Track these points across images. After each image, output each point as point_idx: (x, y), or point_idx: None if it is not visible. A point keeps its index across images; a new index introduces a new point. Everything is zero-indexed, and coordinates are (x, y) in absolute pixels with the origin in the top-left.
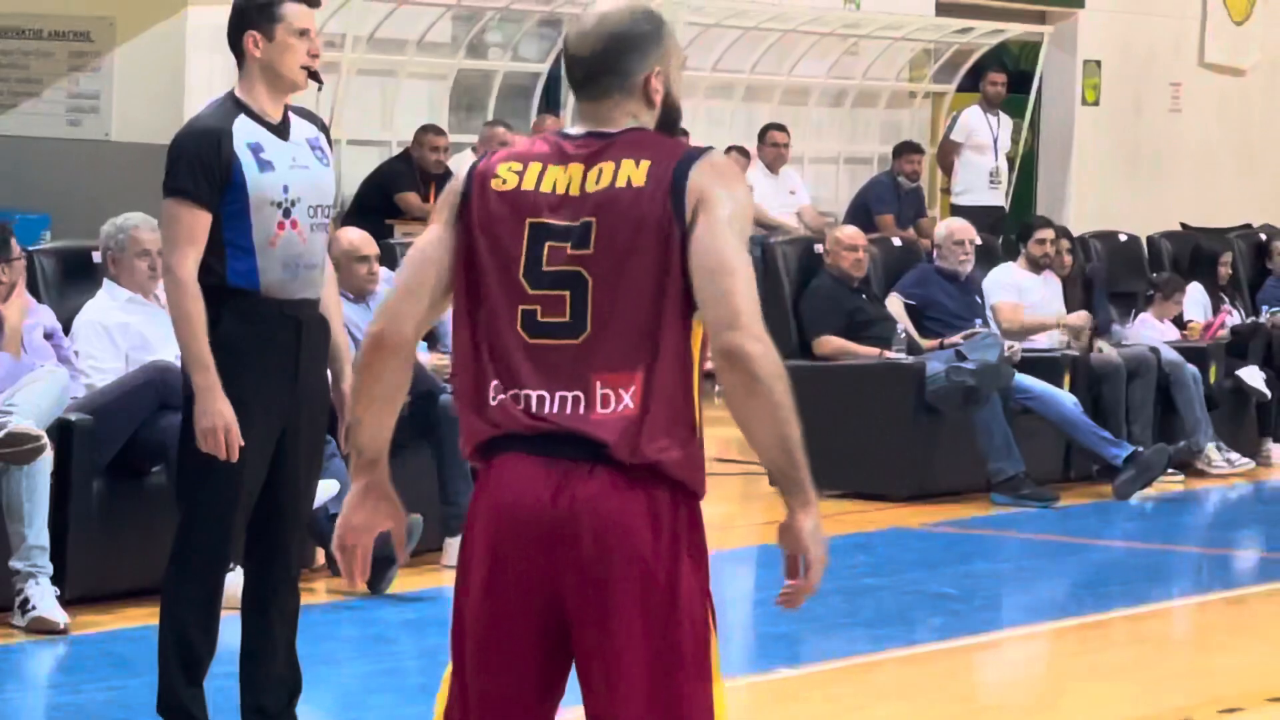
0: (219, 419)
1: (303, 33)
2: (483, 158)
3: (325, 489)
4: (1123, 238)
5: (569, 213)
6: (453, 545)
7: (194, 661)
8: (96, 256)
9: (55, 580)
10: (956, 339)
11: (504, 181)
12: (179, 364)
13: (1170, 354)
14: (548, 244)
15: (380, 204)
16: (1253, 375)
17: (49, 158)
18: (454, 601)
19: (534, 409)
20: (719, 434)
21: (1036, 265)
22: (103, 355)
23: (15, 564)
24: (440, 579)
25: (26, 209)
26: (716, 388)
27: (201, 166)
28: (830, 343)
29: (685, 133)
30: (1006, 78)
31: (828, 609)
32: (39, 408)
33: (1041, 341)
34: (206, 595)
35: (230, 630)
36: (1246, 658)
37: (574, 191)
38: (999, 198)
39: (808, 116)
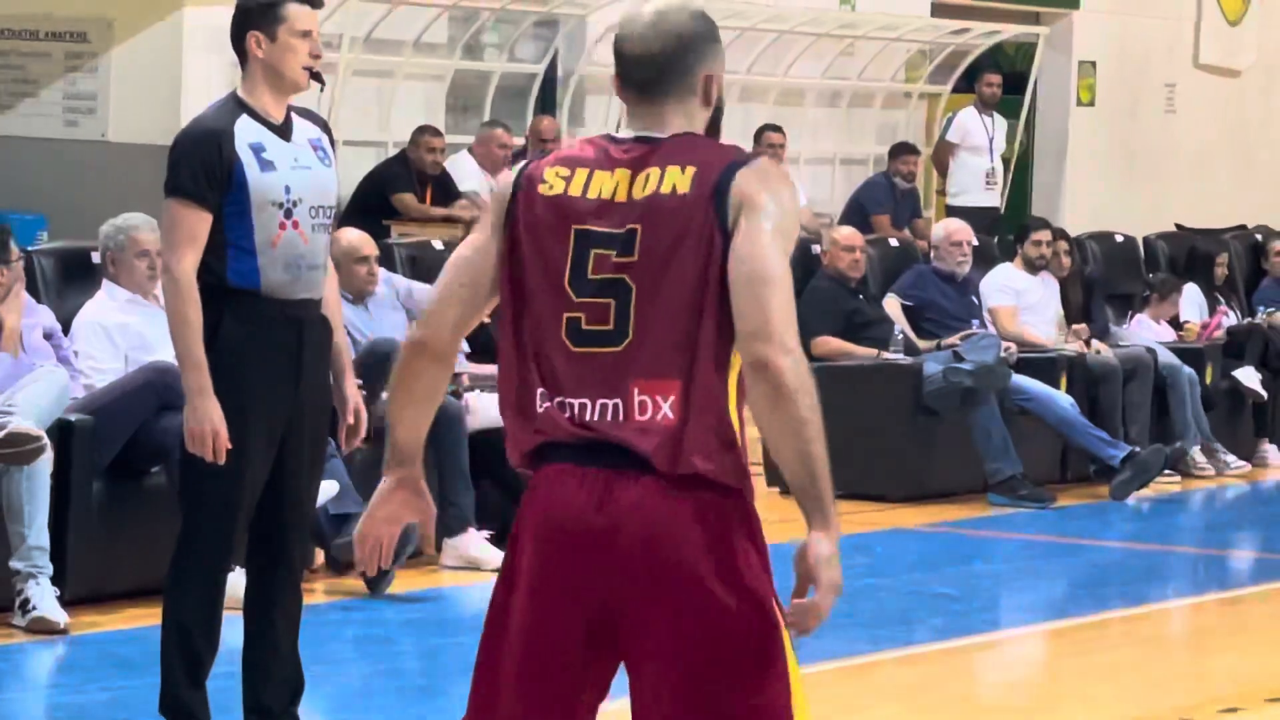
0: (207, 422)
1: (305, 34)
2: (531, 160)
3: (324, 489)
4: (1119, 239)
5: (614, 220)
6: (452, 546)
7: (196, 662)
8: (95, 257)
9: (55, 580)
10: (954, 340)
11: (550, 187)
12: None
13: (1167, 356)
14: (593, 251)
15: (377, 205)
16: (1249, 376)
17: (46, 158)
18: (492, 608)
19: (577, 417)
20: None
21: (1033, 266)
22: (102, 356)
23: (15, 564)
24: (439, 579)
25: (23, 209)
26: None
27: (203, 167)
28: (828, 343)
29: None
30: (1002, 79)
31: None
32: (39, 408)
33: (1040, 337)
34: (209, 595)
35: (232, 630)
36: (1244, 658)
37: (620, 198)
38: (994, 199)
39: (803, 117)
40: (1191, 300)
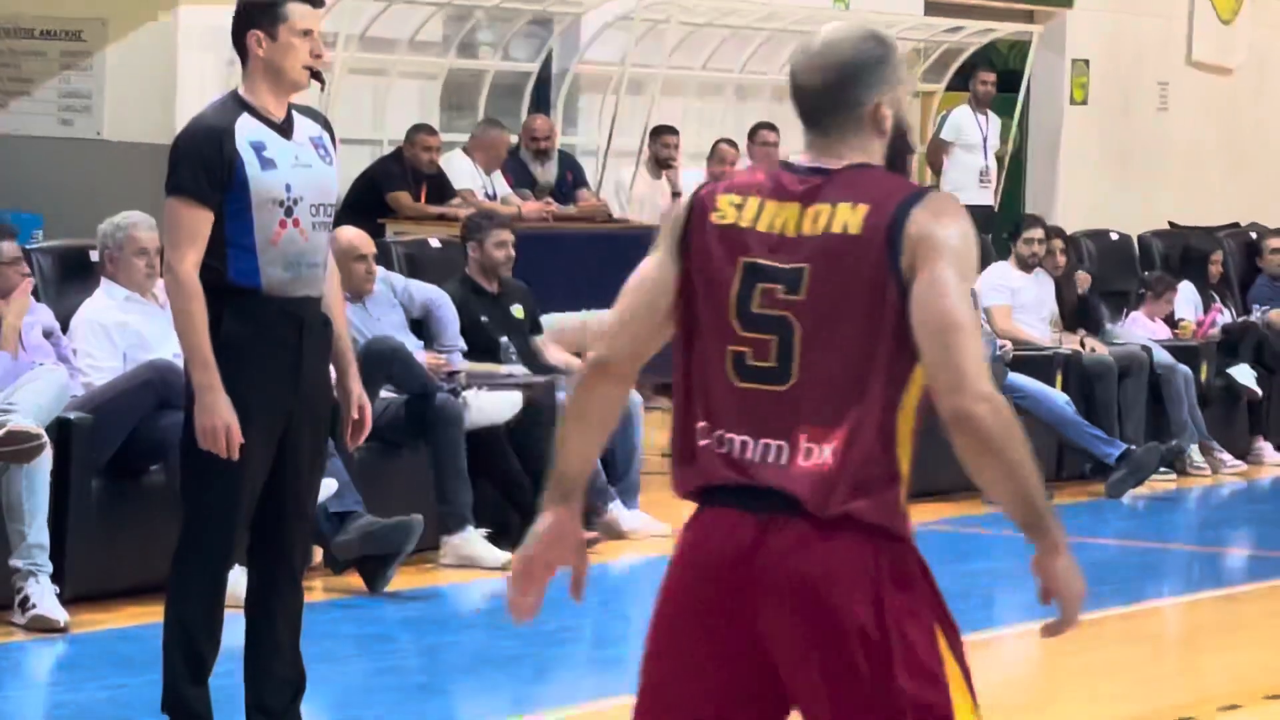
0: (219, 418)
1: (306, 33)
2: (705, 185)
3: (324, 487)
4: (1114, 236)
5: (783, 255)
6: (450, 544)
7: (198, 660)
8: (94, 255)
9: (55, 578)
10: None
11: (723, 215)
12: (178, 363)
13: (1163, 354)
14: (759, 285)
15: (372, 203)
16: (1244, 374)
17: (41, 157)
18: (646, 648)
19: (736, 454)
20: None
21: (1026, 265)
22: (101, 354)
23: (15, 562)
24: (438, 578)
25: (18, 208)
26: None
27: (204, 165)
28: None
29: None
30: (996, 77)
31: None
32: (39, 406)
33: (1035, 336)
34: (210, 594)
35: (234, 629)
36: (1241, 655)
37: (789, 232)
38: (988, 197)
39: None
40: (1186, 298)
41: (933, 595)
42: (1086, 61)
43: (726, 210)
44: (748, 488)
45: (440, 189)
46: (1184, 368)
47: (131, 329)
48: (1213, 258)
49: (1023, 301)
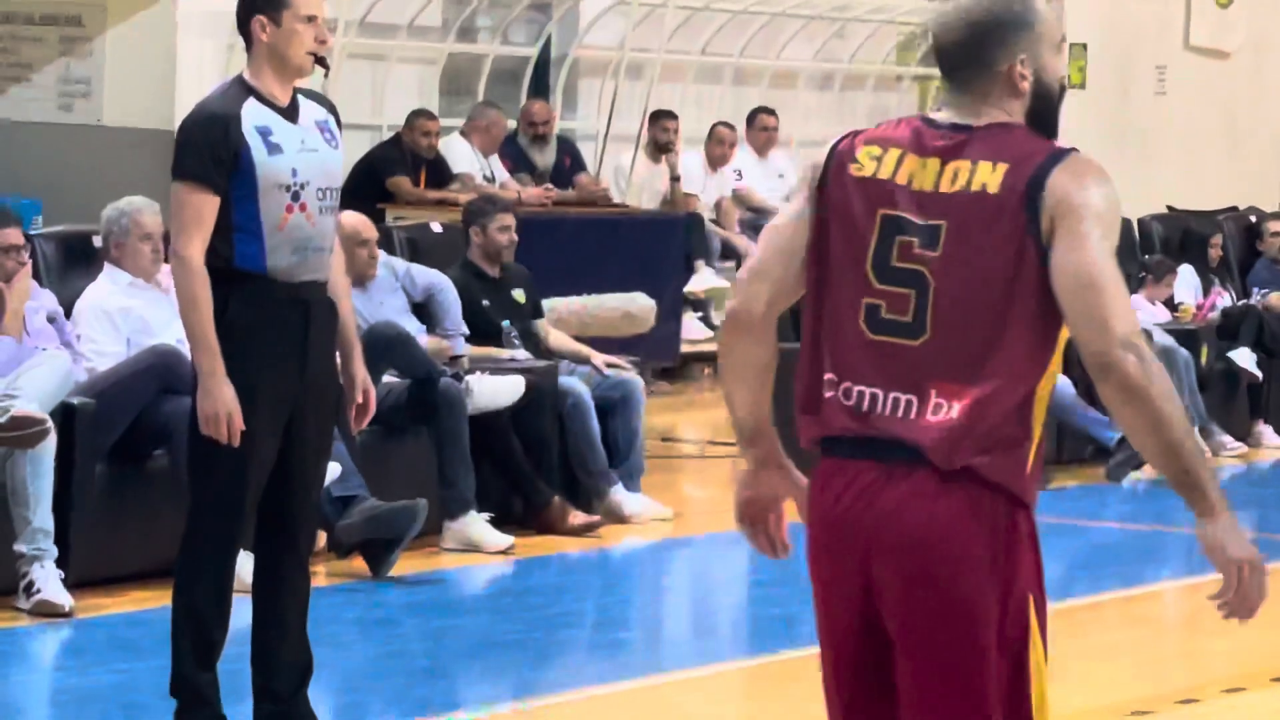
0: (221, 404)
1: (310, 19)
2: (845, 137)
3: (328, 471)
4: None
5: (921, 210)
6: (452, 528)
7: (206, 645)
8: (97, 241)
9: (59, 563)
10: None
11: (861, 167)
12: (181, 348)
13: (1164, 338)
14: (898, 239)
15: (371, 188)
16: (1244, 357)
17: (40, 143)
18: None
19: (864, 407)
20: (708, 417)
21: None
22: (104, 340)
23: (20, 547)
24: (441, 562)
25: (18, 194)
26: (706, 370)
27: (210, 150)
28: None
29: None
30: None
31: None
32: (43, 392)
33: None
34: (218, 578)
35: (241, 613)
36: (1244, 638)
37: (929, 188)
38: None
39: (796, 100)
40: (1186, 281)
41: (1035, 565)
42: (1084, 45)
43: (866, 162)
44: (871, 439)
45: (439, 174)
46: (1184, 351)
47: (135, 314)
48: (1212, 241)
49: None
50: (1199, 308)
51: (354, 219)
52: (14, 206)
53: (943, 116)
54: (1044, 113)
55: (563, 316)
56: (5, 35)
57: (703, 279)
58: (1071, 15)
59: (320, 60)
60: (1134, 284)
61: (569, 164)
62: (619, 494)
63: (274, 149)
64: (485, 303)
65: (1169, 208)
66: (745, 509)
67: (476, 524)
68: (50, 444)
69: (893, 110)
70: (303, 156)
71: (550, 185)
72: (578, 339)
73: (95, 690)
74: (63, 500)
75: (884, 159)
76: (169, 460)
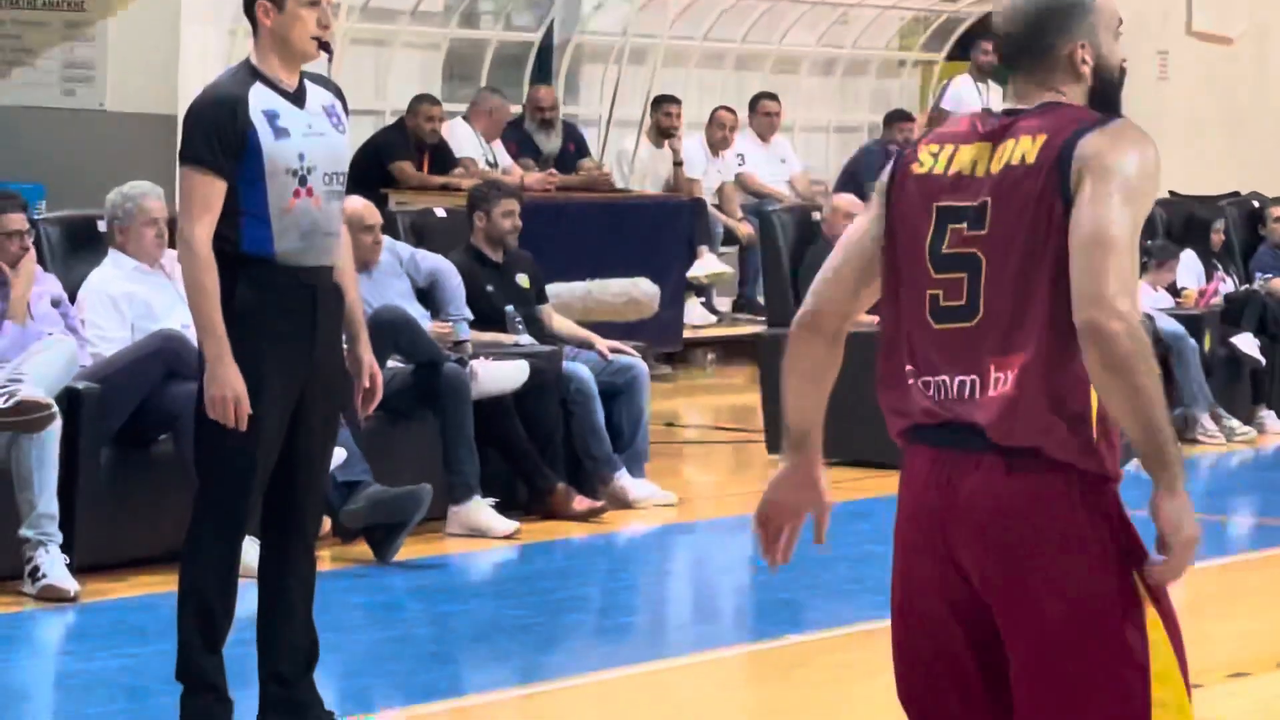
0: (228, 388)
1: (313, 3)
2: (917, 140)
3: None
4: None
5: (969, 193)
6: (457, 513)
7: (213, 629)
8: (102, 225)
9: (64, 548)
10: None
11: (921, 165)
12: (186, 333)
13: (1170, 324)
14: (950, 226)
15: (374, 173)
16: (1247, 342)
17: (44, 128)
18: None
19: (937, 395)
20: (710, 402)
21: None
22: (109, 325)
23: (25, 532)
24: (445, 547)
25: (21, 179)
26: (709, 355)
27: (217, 134)
28: None
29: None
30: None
31: (833, 576)
32: (48, 377)
33: None
34: (225, 563)
35: (247, 598)
36: (1248, 624)
37: (978, 172)
38: None
39: (798, 85)
40: (1189, 267)
41: (1129, 540)
42: None
43: (925, 160)
44: (945, 425)
45: (442, 158)
46: (1191, 340)
47: (139, 299)
48: (1215, 226)
49: None
50: (1201, 293)
51: (358, 204)
52: (18, 191)
53: (1002, 106)
54: (1107, 95)
55: (566, 302)
56: (9, 20)
57: (705, 264)
58: None
59: (324, 45)
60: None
61: (573, 150)
62: (623, 479)
63: (281, 133)
64: (489, 288)
65: (1171, 193)
66: (767, 509)
67: (481, 509)
68: (55, 429)
69: (895, 96)
70: (309, 141)
71: (554, 170)
72: (581, 324)
73: (101, 675)
74: (68, 485)
75: (940, 154)
76: (174, 445)
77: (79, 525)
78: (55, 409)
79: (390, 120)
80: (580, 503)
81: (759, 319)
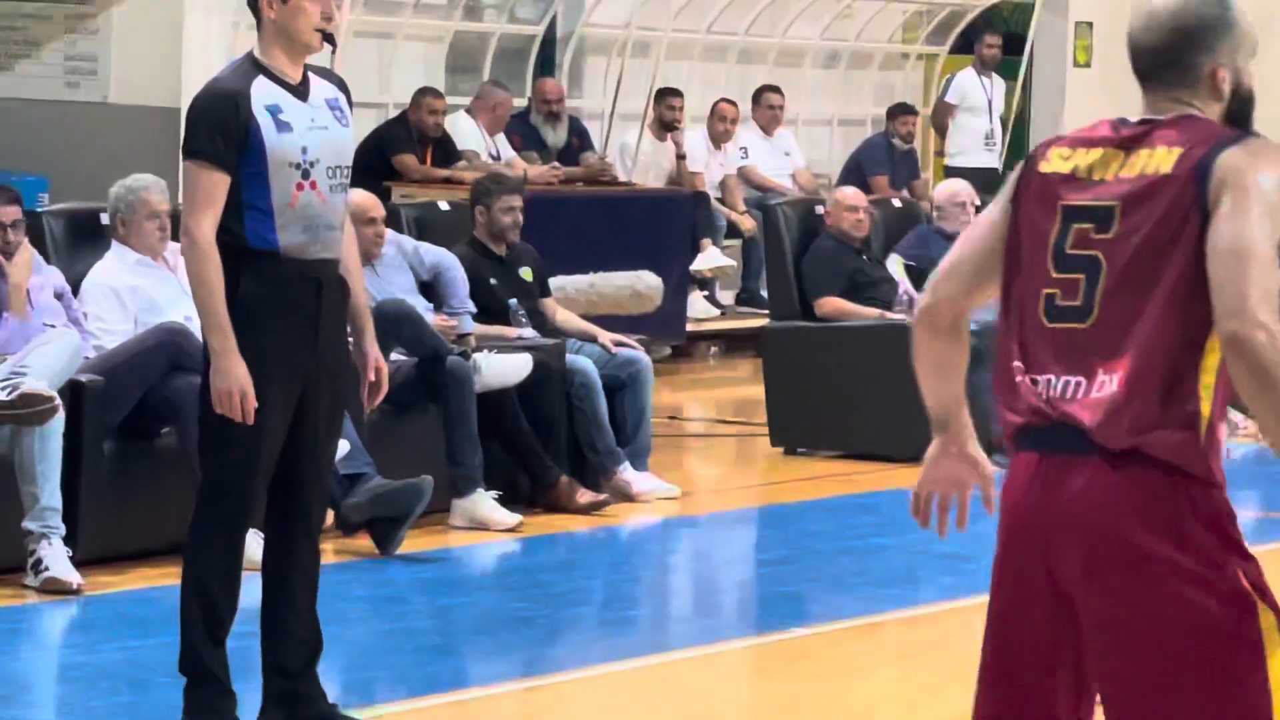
0: (234, 382)
1: None
2: (1047, 141)
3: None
4: None
5: (1097, 196)
6: (460, 506)
7: (216, 621)
8: (105, 218)
9: (67, 541)
10: None
11: (1050, 164)
12: (190, 325)
13: None
14: (1074, 226)
15: (377, 166)
16: None
17: (47, 120)
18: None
19: (1046, 395)
20: (713, 395)
21: None
22: (112, 317)
23: (28, 525)
24: (448, 540)
25: (24, 171)
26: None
27: (220, 128)
28: (832, 304)
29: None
30: (1001, 40)
31: (836, 568)
32: (51, 369)
33: None
34: (228, 555)
35: (251, 590)
36: None
37: (1108, 177)
38: (994, 159)
39: (802, 78)
40: None
41: (1238, 545)
42: (1090, 24)
43: (1056, 160)
44: (1052, 426)
45: (446, 152)
46: None
47: (142, 292)
48: None
49: None
50: None
51: (360, 197)
52: (19, 184)
53: (1136, 116)
54: (1243, 113)
55: (570, 295)
56: (11, 13)
57: (709, 257)
58: None
59: (328, 37)
60: None
61: (577, 144)
62: (626, 472)
63: (283, 127)
64: (493, 281)
65: None
66: (928, 485)
67: (484, 502)
68: (58, 421)
69: (898, 89)
70: (313, 134)
71: (557, 164)
72: (585, 317)
73: (104, 667)
74: (71, 478)
75: (1071, 156)
76: (177, 438)
77: (82, 518)
78: (58, 401)
79: (393, 113)
80: (583, 496)
81: (762, 312)
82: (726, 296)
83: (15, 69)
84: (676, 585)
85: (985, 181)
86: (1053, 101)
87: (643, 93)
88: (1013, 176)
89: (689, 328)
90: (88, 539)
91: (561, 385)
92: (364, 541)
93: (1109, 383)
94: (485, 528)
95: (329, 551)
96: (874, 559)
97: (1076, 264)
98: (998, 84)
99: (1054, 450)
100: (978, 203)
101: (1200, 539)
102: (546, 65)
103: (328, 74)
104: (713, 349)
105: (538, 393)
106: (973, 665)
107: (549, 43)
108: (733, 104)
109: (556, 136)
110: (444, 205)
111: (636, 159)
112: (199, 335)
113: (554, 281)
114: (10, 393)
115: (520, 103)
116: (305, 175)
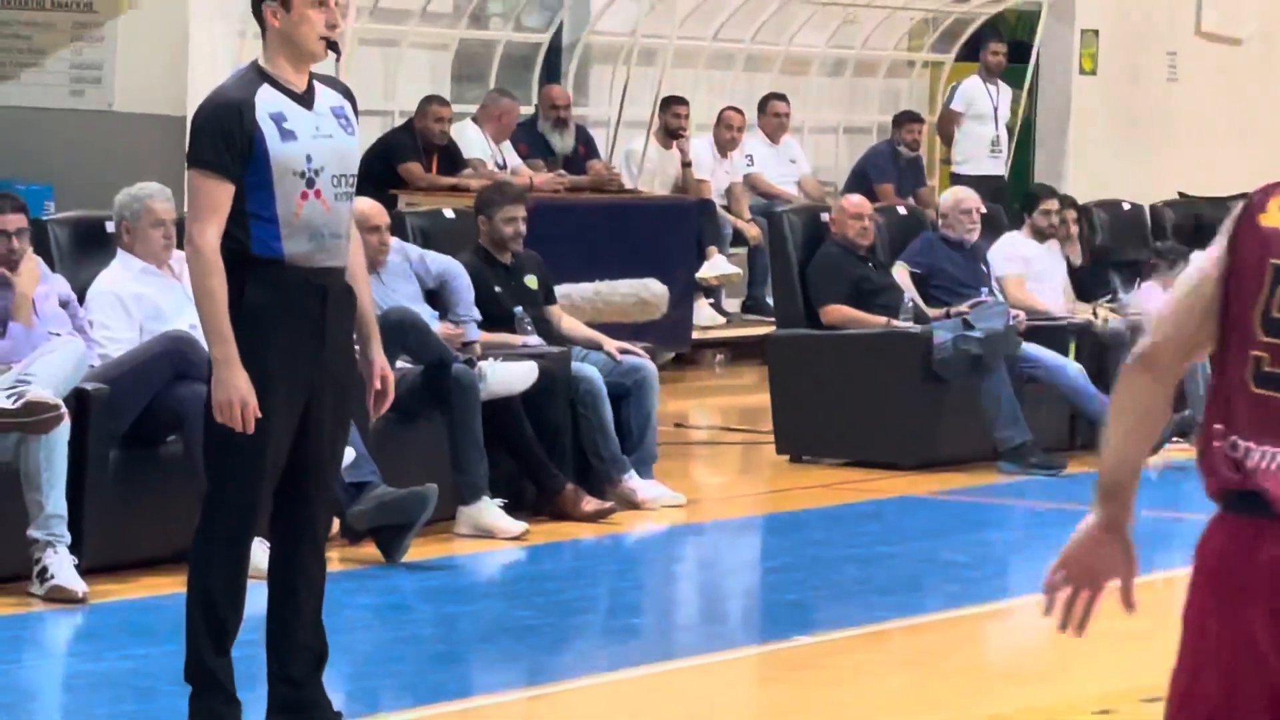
0: (234, 392)
1: (320, 3)
2: (1266, 186)
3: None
4: (1126, 207)
5: None
6: (465, 514)
7: (221, 630)
8: (110, 226)
9: (73, 549)
10: (963, 308)
11: (1269, 217)
12: (195, 334)
13: None
14: None
15: (383, 174)
16: None
17: (52, 128)
18: (1179, 654)
19: (1245, 462)
20: (719, 403)
21: (1041, 235)
22: (117, 326)
23: (33, 533)
24: (454, 548)
25: (29, 180)
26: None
27: (224, 137)
28: (837, 311)
29: None
30: (1007, 48)
31: (841, 576)
32: (56, 377)
33: (1048, 305)
34: (233, 564)
35: (256, 599)
36: None
37: None
38: (999, 167)
39: (808, 86)
40: None
41: None
42: (1095, 32)
43: (1274, 212)
44: (1251, 493)
45: (451, 159)
46: None
47: (148, 301)
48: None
49: (1035, 271)
50: None
51: (365, 205)
52: (25, 192)
53: None
54: None
55: (575, 303)
56: (16, 21)
57: (715, 265)
58: (1082, 1)
59: (332, 45)
60: (1145, 271)
61: (583, 153)
62: (632, 480)
63: (288, 135)
64: (498, 289)
65: (1180, 194)
66: (1068, 566)
67: (490, 510)
68: (64, 429)
69: (904, 97)
70: (317, 143)
71: (563, 171)
72: (590, 325)
73: (109, 676)
74: (76, 486)
75: None
76: (182, 446)
77: (87, 526)
78: (64, 409)
79: (399, 121)
80: (589, 503)
81: (768, 320)
82: (732, 304)
83: (21, 77)
84: (681, 593)
85: (991, 189)
86: (1059, 108)
87: (648, 100)
88: (1228, 222)
89: (694, 335)
90: (93, 547)
91: (567, 393)
92: (369, 549)
93: None
94: (490, 535)
95: (334, 559)
96: (879, 567)
97: None
98: (1003, 91)
99: (1255, 515)
100: (984, 210)
101: None
102: (552, 73)
103: (333, 82)
104: (718, 356)
105: (543, 400)
106: (976, 673)
107: (555, 51)
108: (738, 112)
109: (563, 144)
110: (449, 213)
111: (642, 167)
112: (204, 344)
113: (559, 289)
114: (16, 401)
115: (527, 110)
116: (310, 184)
